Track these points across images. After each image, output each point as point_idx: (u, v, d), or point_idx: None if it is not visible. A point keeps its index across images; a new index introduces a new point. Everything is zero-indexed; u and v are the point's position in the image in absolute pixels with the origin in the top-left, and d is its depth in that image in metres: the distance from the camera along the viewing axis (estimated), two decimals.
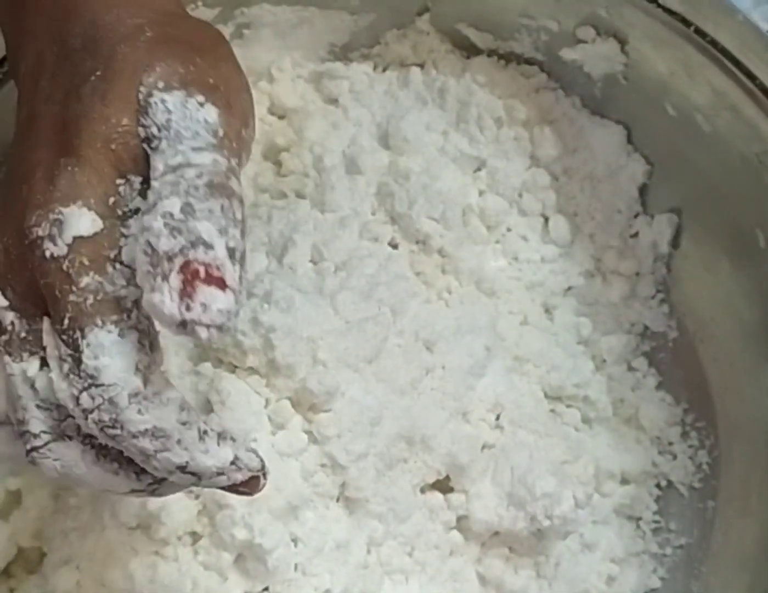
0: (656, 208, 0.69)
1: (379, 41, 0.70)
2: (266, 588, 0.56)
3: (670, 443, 0.67)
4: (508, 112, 0.68)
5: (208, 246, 0.38)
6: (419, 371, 0.59)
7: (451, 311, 0.63)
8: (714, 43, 0.61)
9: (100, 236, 0.40)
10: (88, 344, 0.39)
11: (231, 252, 0.39)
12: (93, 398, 0.39)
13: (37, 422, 0.41)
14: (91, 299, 0.39)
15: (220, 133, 0.41)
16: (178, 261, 0.38)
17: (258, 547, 0.54)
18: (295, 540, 0.55)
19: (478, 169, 0.68)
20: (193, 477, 0.40)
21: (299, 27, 0.69)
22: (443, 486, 0.60)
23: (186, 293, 0.37)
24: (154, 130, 0.41)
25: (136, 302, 0.40)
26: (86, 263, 0.40)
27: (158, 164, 0.40)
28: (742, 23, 0.60)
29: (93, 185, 0.40)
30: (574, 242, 0.69)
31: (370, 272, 0.60)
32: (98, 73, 0.42)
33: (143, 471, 0.41)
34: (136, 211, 0.41)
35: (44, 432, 0.41)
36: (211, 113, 0.41)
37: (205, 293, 0.37)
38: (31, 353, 0.41)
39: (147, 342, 0.40)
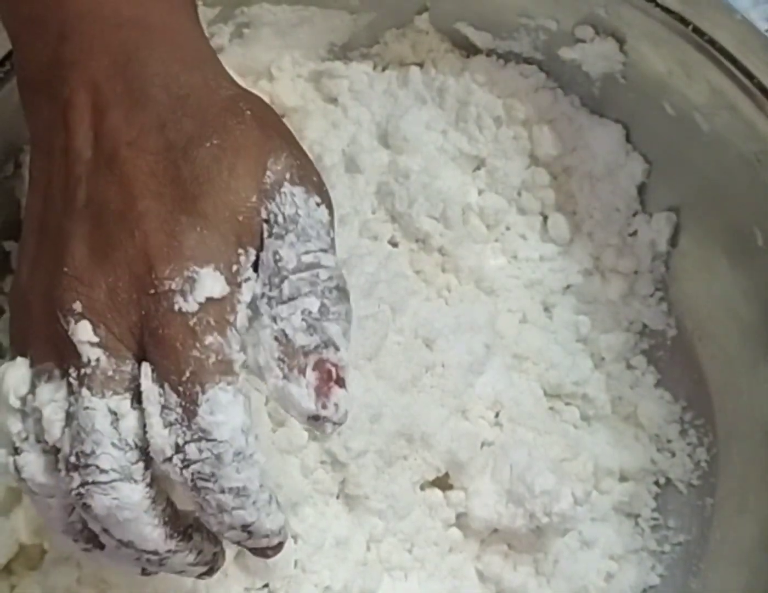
0: (655, 206, 0.69)
1: (378, 40, 0.70)
2: (266, 585, 0.56)
3: (669, 441, 0.67)
4: (507, 112, 0.69)
5: (337, 348, 0.43)
6: (419, 369, 0.59)
7: (450, 309, 0.63)
8: (712, 42, 0.61)
9: (224, 300, 0.42)
10: (207, 400, 0.41)
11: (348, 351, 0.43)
12: (201, 451, 0.41)
13: (110, 459, 0.42)
14: (213, 358, 0.41)
15: (332, 234, 0.45)
16: (313, 358, 0.42)
17: None
18: (294, 537, 0.56)
19: (478, 168, 0.68)
20: (248, 536, 0.43)
21: (299, 26, 0.69)
22: (443, 483, 0.60)
23: (323, 392, 0.42)
24: (281, 219, 0.43)
25: (242, 366, 0.42)
26: (212, 323, 0.41)
27: (290, 255, 0.43)
28: (741, 22, 0.60)
29: (221, 250, 0.42)
30: (573, 241, 0.69)
31: (370, 270, 0.60)
32: (215, 141, 0.43)
33: (174, 534, 0.44)
34: (247, 280, 0.43)
35: (114, 470, 0.42)
36: (325, 214, 0.45)
37: (338, 394, 0.42)
38: (116, 393, 0.42)
39: (249, 405, 0.42)
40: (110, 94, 0.44)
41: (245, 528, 0.42)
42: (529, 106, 0.69)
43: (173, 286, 0.41)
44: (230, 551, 0.55)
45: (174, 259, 0.42)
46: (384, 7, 0.69)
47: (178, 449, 0.41)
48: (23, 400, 0.44)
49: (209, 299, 0.41)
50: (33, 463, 0.44)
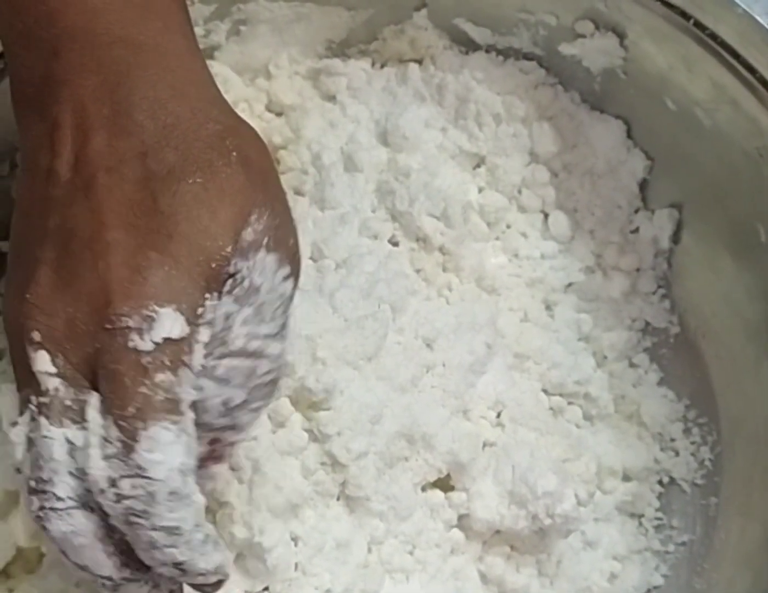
0: (657, 203, 0.68)
1: (376, 37, 0.70)
2: (266, 588, 0.56)
3: (672, 440, 0.67)
4: (507, 109, 0.68)
5: (239, 432, 0.45)
6: (419, 369, 0.59)
7: (451, 308, 0.62)
8: (714, 36, 0.60)
9: (183, 341, 0.42)
10: (148, 437, 0.41)
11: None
12: (134, 488, 0.41)
13: (66, 487, 0.42)
14: (161, 396, 0.41)
15: (289, 311, 0.45)
16: (212, 435, 0.44)
17: (258, 546, 0.54)
18: (295, 539, 0.55)
19: (478, 165, 0.68)
20: (182, 573, 0.43)
21: (296, 23, 0.68)
22: (444, 484, 0.60)
23: (202, 464, 0.44)
24: (246, 284, 0.43)
25: (190, 406, 0.42)
26: (167, 362, 0.41)
27: (239, 333, 0.43)
28: (742, 16, 0.59)
29: (188, 293, 0.42)
30: (575, 238, 0.69)
31: (370, 269, 0.59)
32: (198, 180, 0.43)
33: (129, 563, 0.43)
34: (210, 323, 0.43)
35: (70, 498, 0.42)
36: (289, 287, 0.45)
37: (213, 470, 0.45)
38: (74, 422, 0.42)
39: (192, 446, 0.42)
40: (96, 116, 0.44)
41: (177, 565, 0.42)
42: (529, 103, 0.69)
43: (130, 323, 0.41)
44: (229, 554, 0.55)
45: (134, 296, 0.41)
46: (382, 3, 0.68)
47: (113, 483, 0.41)
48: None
49: (167, 340, 0.41)
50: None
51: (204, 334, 0.42)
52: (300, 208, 0.62)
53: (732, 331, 0.66)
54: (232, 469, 0.55)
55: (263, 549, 0.53)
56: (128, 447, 0.41)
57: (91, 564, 0.43)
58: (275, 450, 0.55)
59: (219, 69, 0.68)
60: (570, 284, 0.68)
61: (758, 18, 0.59)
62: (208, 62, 0.66)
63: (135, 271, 0.42)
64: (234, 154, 0.44)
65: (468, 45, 0.69)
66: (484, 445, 0.60)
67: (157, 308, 0.41)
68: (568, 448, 0.62)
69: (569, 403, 0.65)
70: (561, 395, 0.65)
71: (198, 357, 0.42)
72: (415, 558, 0.58)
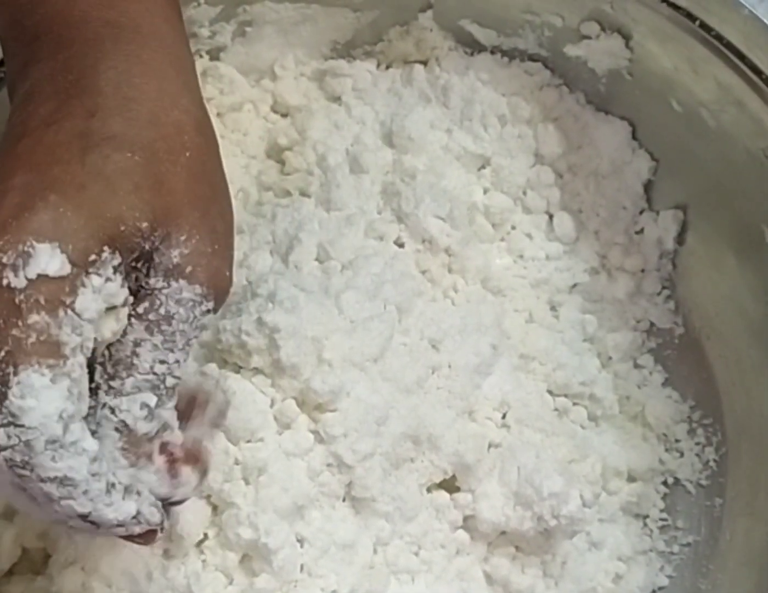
0: (661, 204, 0.68)
1: (382, 38, 0.70)
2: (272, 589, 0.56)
3: (677, 441, 0.67)
4: (512, 110, 0.68)
5: (172, 428, 0.44)
6: (425, 370, 0.59)
7: (457, 309, 0.62)
8: (719, 37, 0.61)
9: (63, 280, 0.40)
10: (18, 382, 0.39)
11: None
12: (9, 437, 0.39)
13: None
14: (33, 338, 0.39)
15: (201, 334, 0.44)
16: (157, 442, 0.43)
17: (264, 547, 0.54)
18: (301, 541, 0.55)
19: (483, 167, 0.68)
20: (92, 525, 0.42)
21: (302, 24, 0.68)
22: (449, 485, 0.60)
23: (172, 473, 0.44)
24: (162, 311, 0.43)
25: (75, 350, 0.40)
26: (41, 302, 0.40)
27: (147, 358, 0.43)
28: (748, 18, 0.59)
29: (77, 235, 0.40)
30: (579, 239, 0.69)
31: (376, 270, 0.59)
32: (137, 158, 0.42)
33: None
34: (107, 280, 0.41)
35: None
36: (206, 320, 0.44)
37: (185, 472, 0.44)
38: None
39: (77, 391, 0.40)
40: (62, 82, 0.43)
41: (84, 518, 0.41)
42: (534, 104, 0.69)
43: (4, 259, 0.39)
44: (235, 555, 0.55)
45: (14, 231, 0.40)
46: (387, 4, 0.68)
47: None
48: None
49: (42, 276, 0.39)
50: None
51: (97, 283, 0.41)
52: (306, 209, 0.62)
53: (736, 331, 0.66)
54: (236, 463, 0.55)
55: (269, 550, 0.53)
56: (1, 393, 0.39)
57: (33, 513, 0.42)
58: (281, 452, 0.55)
59: (224, 70, 0.68)
60: (575, 285, 0.68)
61: (764, 19, 0.59)
62: (214, 63, 0.68)
63: (26, 209, 0.40)
64: (187, 154, 0.43)
65: (473, 46, 0.69)
66: (490, 446, 0.60)
67: (34, 243, 0.39)
68: (573, 449, 0.62)
69: (574, 404, 0.66)
70: (566, 395, 0.65)
71: (86, 302, 0.40)
72: (420, 558, 0.58)
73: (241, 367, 0.57)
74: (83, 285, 0.40)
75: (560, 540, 0.61)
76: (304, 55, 0.69)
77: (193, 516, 0.54)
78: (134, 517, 0.42)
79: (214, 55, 0.68)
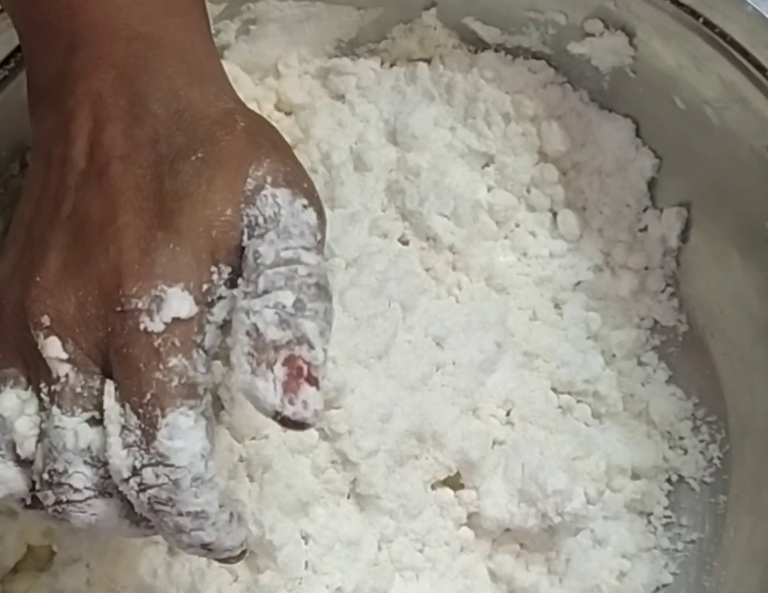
0: (665, 202, 0.68)
1: (385, 36, 0.70)
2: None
3: (681, 438, 0.67)
4: (516, 108, 0.68)
5: (311, 346, 0.40)
6: (429, 368, 0.59)
7: (461, 307, 0.63)
8: (723, 34, 0.60)
9: (193, 321, 0.41)
10: (167, 424, 0.40)
11: (325, 353, 0.41)
12: (158, 476, 0.40)
13: (83, 477, 0.42)
14: (176, 381, 0.40)
15: (319, 236, 0.43)
16: (284, 353, 0.40)
17: (268, 544, 0.54)
18: (305, 537, 0.55)
19: (486, 164, 0.68)
20: (209, 552, 0.42)
21: (306, 22, 0.68)
22: (454, 482, 0.60)
23: (290, 388, 0.40)
24: (261, 220, 0.42)
25: (206, 388, 0.41)
26: (177, 344, 0.40)
27: (269, 251, 0.41)
28: (752, 15, 0.59)
29: (193, 268, 0.41)
30: (583, 237, 0.69)
31: (380, 268, 0.59)
32: (200, 154, 0.42)
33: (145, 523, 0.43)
34: (220, 298, 0.42)
35: (87, 488, 0.42)
36: (312, 217, 0.43)
37: (308, 392, 0.40)
38: (84, 410, 0.42)
39: (211, 428, 0.42)
40: (113, 107, 0.44)
41: (205, 546, 0.42)
42: (538, 102, 0.69)
43: (140, 305, 0.40)
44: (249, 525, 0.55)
45: (143, 277, 0.41)
46: (391, 2, 0.68)
47: (135, 471, 0.41)
48: None
49: (176, 320, 0.40)
50: (10, 475, 0.43)
51: (217, 313, 0.42)
52: None
53: (741, 329, 0.66)
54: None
55: (274, 547, 0.54)
56: (148, 434, 0.40)
57: (125, 535, 0.44)
58: (286, 449, 0.55)
59: (228, 68, 0.67)
60: (579, 283, 0.68)
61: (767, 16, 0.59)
62: None
63: (144, 253, 0.41)
64: (241, 124, 0.44)
65: (477, 44, 0.69)
66: (494, 443, 0.60)
67: (165, 287, 0.41)
68: (577, 446, 0.62)
69: (578, 401, 0.66)
70: (570, 393, 0.65)
71: (212, 339, 0.42)
72: (425, 556, 0.58)
73: None
74: (208, 322, 0.42)
75: (564, 538, 0.61)
76: (308, 53, 0.69)
77: None
78: (244, 543, 0.43)
79: (218, 52, 0.68)
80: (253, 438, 0.55)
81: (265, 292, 0.41)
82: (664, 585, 0.65)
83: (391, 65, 0.70)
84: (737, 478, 0.65)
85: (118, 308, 0.41)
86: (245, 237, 0.42)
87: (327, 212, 0.62)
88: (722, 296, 0.67)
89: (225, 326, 0.43)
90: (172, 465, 0.40)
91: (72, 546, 0.55)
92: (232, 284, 0.42)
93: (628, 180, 0.68)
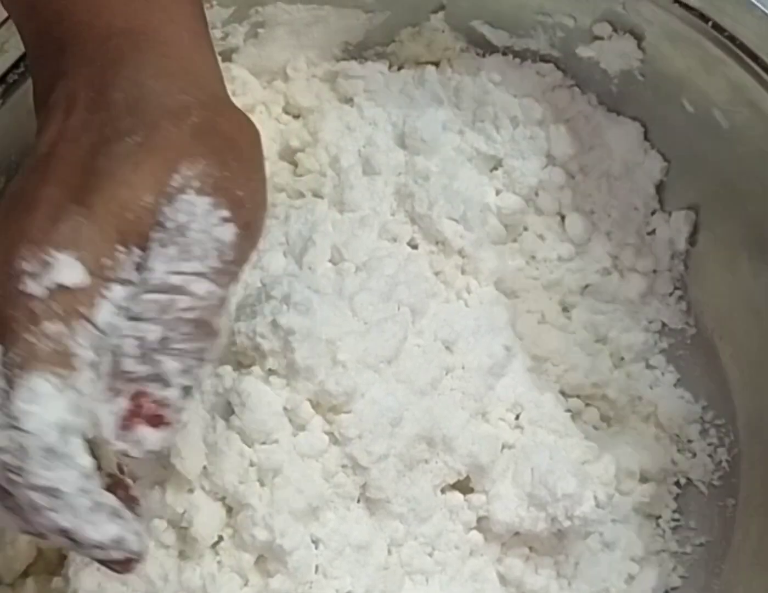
0: (673, 205, 0.68)
1: (393, 39, 0.70)
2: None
3: (690, 441, 0.67)
4: (524, 111, 0.68)
5: (167, 384, 0.41)
6: (439, 372, 0.59)
7: (470, 310, 0.63)
8: (732, 38, 0.61)
9: (81, 292, 0.40)
10: (24, 387, 0.39)
11: (186, 390, 0.41)
12: (10, 440, 0.39)
13: None
14: (48, 347, 0.40)
15: (228, 257, 0.42)
16: (133, 387, 0.41)
17: (278, 548, 0.54)
18: (315, 542, 0.55)
19: (495, 168, 0.68)
20: (73, 543, 0.41)
21: (314, 25, 0.68)
22: (463, 486, 0.60)
23: (126, 424, 0.41)
24: (171, 225, 0.41)
25: (88, 365, 0.40)
26: (59, 311, 0.40)
27: (159, 270, 0.41)
28: (761, 18, 0.59)
29: (94, 242, 0.41)
30: (591, 240, 0.69)
31: (390, 272, 0.59)
32: (138, 139, 0.42)
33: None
34: (126, 282, 0.41)
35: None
36: (228, 233, 0.42)
37: (143, 433, 0.41)
38: None
39: (81, 405, 0.40)
40: (81, 100, 0.44)
41: (64, 533, 0.40)
42: (546, 106, 0.69)
43: (27, 267, 0.40)
44: (250, 556, 0.55)
45: (39, 241, 0.40)
46: (399, 5, 0.69)
47: None
48: None
49: (61, 286, 0.40)
50: None
51: (117, 293, 0.41)
52: (319, 210, 0.62)
53: (749, 332, 0.66)
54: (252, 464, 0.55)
55: (284, 552, 0.54)
56: (7, 395, 0.39)
57: (2, 522, 0.42)
58: (296, 453, 0.55)
59: (237, 71, 0.68)
60: (587, 286, 0.68)
61: None
62: (226, 64, 0.68)
63: (50, 220, 0.41)
64: (193, 119, 0.43)
65: (485, 47, 0.69)
66: (503, 447, 0.60)
67: (56, 253, 0.40)
68: (586, 450, 0.62)
69: (587, 405, 0.66)
70: (579, 396, 0.65)
71: (103, 314, 0.41)
72: (434, 559, 0.58)
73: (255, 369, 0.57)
74: (101, 296, 0.41)
75: (573, 541, 0.61)
76: (316, 57, 0.70)
77: (207, 518, 0.54)
78: (115, 541, 0.41)
79: (227, 56, 0.68)
80: (263, 443, 0.55)
81: (135, 318, 0.41)
82: (673, 589, 0.65)
83: (399, 68, 0.70)
84: (746, 481, 0.65)
85: (9, 270, 0.41)
86: (154, 236, 0.42)
87: (335, 215, 0.63)
88: (730, 299, 0.67)
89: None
90: (20, 429, 0.39)
91: None
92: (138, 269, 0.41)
93: (637, 183, 0.68)
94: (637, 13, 0.64)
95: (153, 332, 0.41)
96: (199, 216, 0.42)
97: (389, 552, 0.57)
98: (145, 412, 0.41)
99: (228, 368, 0.56)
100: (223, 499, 0.55)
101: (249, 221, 0.43)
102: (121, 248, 0.41)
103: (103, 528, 0.41)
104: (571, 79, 0.69)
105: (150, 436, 0.41)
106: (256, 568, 0.55)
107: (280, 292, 0.56)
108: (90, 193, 0.41)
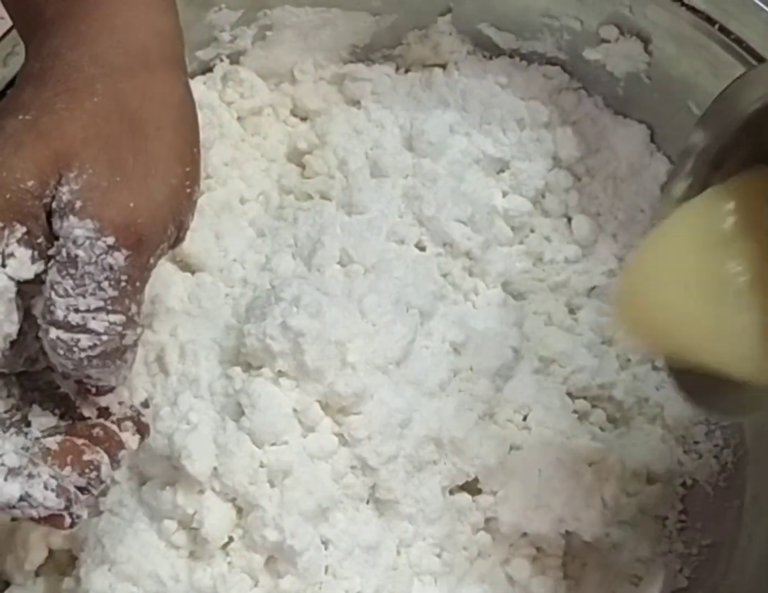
0: None
1: (401, 42, 0.70)
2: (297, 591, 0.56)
3: (696, 442, 0.67)
4: (531, 114, 0.68)
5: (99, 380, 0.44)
6: (447, 374, 0.59)
7: (478, 312, 0.63)
8: (739, 41, 0.61)
9: None
10: None
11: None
12: None
13: None
14: None
15: (123, 282, 0.42)
16: None
17: (289, 549, 0.54)
18: (325, 542, 0.55)
19: (502, 170, 0.68)
20: None
21: (321, 28, 0.69)
22: (471, 487, 0.60)
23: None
24: (64, 255, 0.41)
25: None
26: None
27: (60, 305, 0.41)
28: (767, 21, 0.59)
29: None
30: (598, 242, 0.69)
31: (398, 274, 0.60)
32: (28, 117, 0.42)
33: None
34: (10, 255, 0.41)
35: None
36: (118, 259, 0.42)
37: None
38: None
39: None
40: (19, 76, 0.45)
41: None
42: (552, 108, 0.69)
43: None
44: (261, 557, 0.55)
45: None
46: (406, 8, 0.69)
47: None
48: None
49: None
50: None
51: None
52: (327, 213, 0.63)
53: None
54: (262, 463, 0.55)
55: (294, 552, 0.54)
56: None
57: None
58: (306, 454, 0.55)
59: (245, 74, 0.68)
60: (593, 288, 0.68)
61: None
62: (234, 67, 0.68)
63: None
64: (95, 99, 0.43)
65: (492, 50, 0.70)
66: (511, 448, 0.60)
67: None
68: (593, 451, 0.62)
69: (593, 406, 0.66)
70: (585, 398, 0.65)
71: None
72: (442, 560, 0.59)
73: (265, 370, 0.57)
74: None
75: (580, 542, 0.61)
76: (324, 59, 0.70)
77: (218, 519, 0.54)
78: (23, 500, 0.42)
79: (235, 59, 0.68)
80: (273, 444, 0.55)
81: (49, 347, 0.42)
82: (680, 589, 0.65)
83: (406, 71, 0.70)
84: (752, 482, 0.65)
85: None
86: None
87: (344, 217, 0.63)
88: None
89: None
90: None
91: (95, 550, 0.55)
92: (34, 247, 0.41)
93: (643, 185, 0.68)
94: (643, 16, 0.64)
95: (64, 367, 0.43)
96: (85, 246, 0.41)
97: (398, 552, 0.57)
98: (92, 389, 0.45)
99: (238, 369, 0.57)
100: (233, 500, 0.55)
101: (141, 237, 0.42)
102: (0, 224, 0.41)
103: (1, 488, 0.42)
104: (577, 82, 0.69)
105: (99, 399, 0.46)
106: (266, 569, 0.55)
107: (290, 294, 0.57)
108: None
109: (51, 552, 0.58)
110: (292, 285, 0.57)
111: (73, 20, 0.45)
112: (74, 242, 0.41)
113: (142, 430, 0.47)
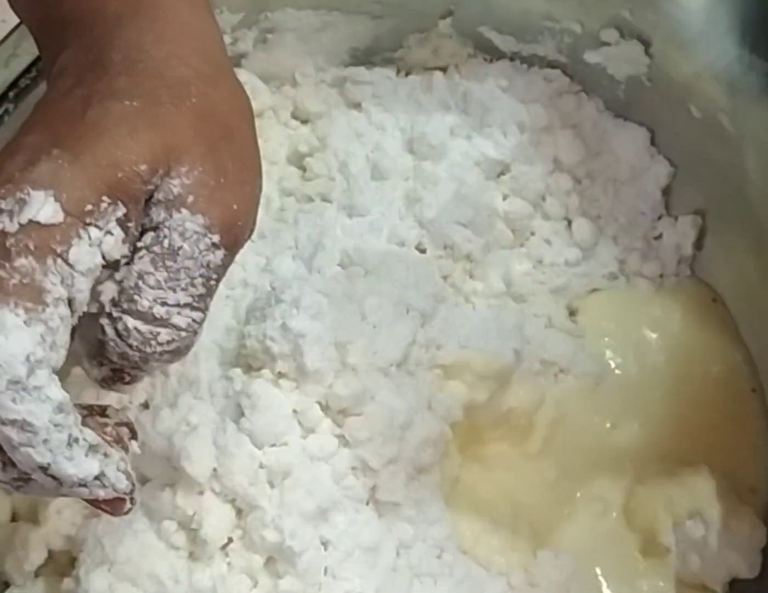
0: (680, 210, 0.69)
1: (401, 45, 0.70)
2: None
3: None
4: (531, 117, 0.68)
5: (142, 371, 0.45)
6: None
7: (478, 314, 0.63)
8: None
9: (55, 229, 0.40)
10: None
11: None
12: None
13: None
14: (16, 280, 0.40)
15: (213, 281, 0.43)
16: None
17: (288, 550, 0.54)
18: (325, 544, 0.55)
19: (502, 173, 0.68)
20: (53, 481, 0.41)
21: (322, 31, 0.69)
22: None
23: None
24: (166, 244, 0.42)
25: (59, 300, 0.40)
26: (30, 246, 0.40)
27: (147, 296, 0.42)
28: None
29: (75, 185, 0.41)
30: (598, 245, 0.69)
31: (399, 276, 0.60)
32: (135, 103, 0.42)
33: (11, 463, 0.41)
34: (107, 233, 0.41)
35: None
36: (217, 257, 0.43)
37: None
38: None
39: (51, 339, 0.40)
40: (82, 62, 0.45)
41: (45, 471, 0.40)
42: (553, 111, 0.69)
43: (3, 205, 0.40)
44: (260, 558, 0.55)
45: (17, 181, 0.41)
46: (407, 11, 0.69)
47: None
48: None
49: (33, 222, 0.40)
50: None
51: (95, 239, 0.41)
52: (328, 215, 0.63)
53: (756, 336, 0.66)
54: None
55: (294, 553, 0.54)
56: None
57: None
58: (306, 455, 0.55)
59: (246, 77, 0.68)
60: (594, 291, 0.68)
61: None
62: (235, 70, 0.68)
63: (30, 163, 0.41)
64: (193, 100, 0.43)
65: (492, 53, 0.70)
66: None
67: (31, 190, 0.40)
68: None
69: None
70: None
71: (80, 254, 0.41)
72: (442, 562, 0.58)
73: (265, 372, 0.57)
74: (78, 236, 0.41)
75: None
76: (325, 62, 0.70)
77: (218, 520, 0.54)
78: (97, 478, 0.41)
79: (236, 61, 0.69)
80: (273, 445, 0.55)
81: (120, 334, 0.42)
82: None
83: (407, 74, 0.71)
84: None
85: None
86: (154, 213, 0.42)
87: (344, 219, 0.63)
88: (737, 303, 0.67)
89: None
90: None
91: (94, 550, 0.55)
92: (126, 230, 0.42)
93: (643, 188, 0.69)
94: (644, 19, 0.64)
95: (131, 357, 0.42)
96: (192, 240, 0.42)
97: (398, 554, 0.57)
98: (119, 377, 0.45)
99: (238, 370, 0.57)
100: (233, 501, 0.55)
101: (238, 239, 0.44)
102: (106, 199, 0.41)
103: (82, 463, 0.41)
104: (578, 85, 0.69)
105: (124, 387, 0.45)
106: (266, 570, 0.55)
107: (290, 295, 0.57)
108: (77, 141, 0.41)
109: (51, 552, 0.58)
110: (293, 287, 0.57)
111: (144, 19, 0.45)
112: (181, 235, 0.42)
113: (135, 436, 0.47)
